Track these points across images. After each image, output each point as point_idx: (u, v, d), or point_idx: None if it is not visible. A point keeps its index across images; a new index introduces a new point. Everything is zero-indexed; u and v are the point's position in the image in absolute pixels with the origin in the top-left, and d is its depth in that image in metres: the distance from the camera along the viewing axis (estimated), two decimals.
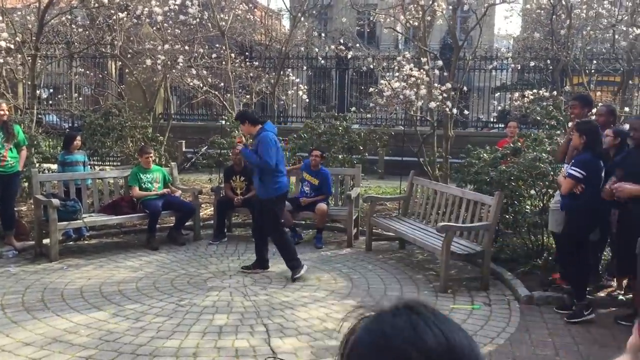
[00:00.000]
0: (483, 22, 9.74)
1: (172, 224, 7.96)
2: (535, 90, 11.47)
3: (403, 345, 0.79)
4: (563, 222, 6.00)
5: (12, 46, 9.55)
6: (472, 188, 7.15)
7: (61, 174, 7.77)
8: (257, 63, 12.37)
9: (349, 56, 12.92)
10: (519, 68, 15.02)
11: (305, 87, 13.35)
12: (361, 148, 9.83)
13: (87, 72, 15.83)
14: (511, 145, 7.35)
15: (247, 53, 14.48)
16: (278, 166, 6.12)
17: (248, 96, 11.74)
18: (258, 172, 6.15)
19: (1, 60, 9.76)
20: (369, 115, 13.96)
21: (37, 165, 8.48)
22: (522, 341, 4.83)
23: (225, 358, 4.34)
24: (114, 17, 10.46)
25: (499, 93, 16.61)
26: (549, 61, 12.54)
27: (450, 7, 9.94)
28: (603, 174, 5.23)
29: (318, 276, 6.41)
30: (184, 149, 14.51)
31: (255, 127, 6.13)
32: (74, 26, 12.73)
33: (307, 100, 14.58)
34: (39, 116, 11.11)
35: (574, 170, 5.17)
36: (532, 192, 7.01)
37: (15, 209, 7.58)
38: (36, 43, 9.78)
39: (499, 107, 16.01)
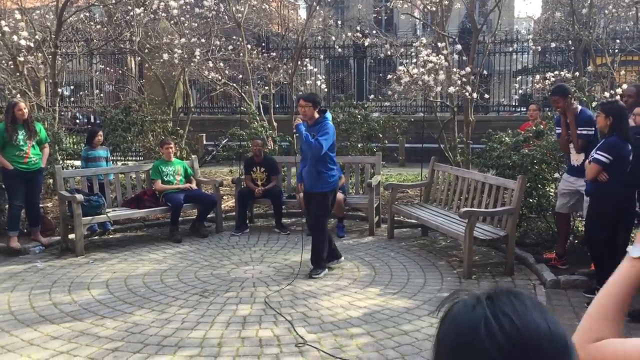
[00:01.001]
0: (502, 4, 9.58)
1: (195, 217, 8.02)
2: (557, 72, 11.27)
3: (476, 343, 0.77)
4: (570, 203, 5.97)
5: (32, 45, 9.66)
6: (494, 173, 7.07)
7: (84, 170, 7.86)
8: (274, 54, 12.33)
9: (366, 44, 12.82)
10: (540, 50, 14.77)
11: (323, 76, 13.29)
12: (380, 136, 9.78)
13: (107, 68, 15.97)
14: (533, 128, 7.24)
15: (263, 44, 14.47)
16: (333, 159, 5.93)
17: (266, 87, 11.73)
18: (314, 164, 5.81)
19: (22, 59, 9.87)
20: (387, 103, 13.87)
21: (60, 161, 8.59)
22: None
23: (250, 348, 4.36)
24: (131, 13, 10.50)
25: (520, 77, 16.34)
26: (570, 42, 12.29)
27: None
28: (631, 157, 5.10)
29: (341, 265, 6.40)
30: (204, 142, 14.59)
31: (317, 113, 5.85)
32: (92, 23, 12.83)
33: (326, 89, 14.53)
34: (62, 113, 11.25)
35: (600, 154, 5.05)
36: (557, 175, 6.90)
37: (41, 205, 7.69)
38: (55, 41, 9.88)
39: (520, 91, 15.77)
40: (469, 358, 0.77)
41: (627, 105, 5.53)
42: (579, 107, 6.00)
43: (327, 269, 6.13)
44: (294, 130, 5.91)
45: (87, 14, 12.46)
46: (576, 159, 5.89)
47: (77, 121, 16.08)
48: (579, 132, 5.77)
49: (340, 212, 7.80)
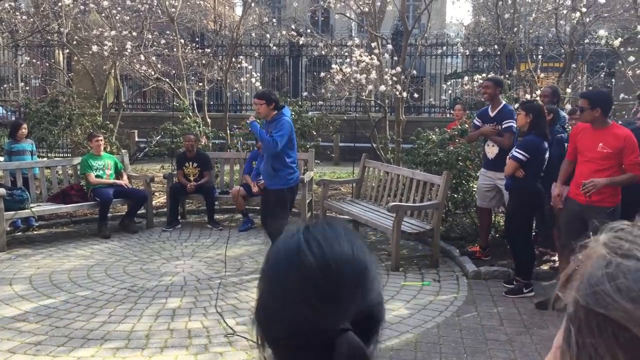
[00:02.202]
0: (432, 7, 9.90)
1: (124, 212, 7.88)
2: (484, 75, 11.74)
3: (285, 265, 0.86)
4: (490, 197, 6.29)
5: None
6: (422, 169, 7.31)
7: (7, 163, 7.58)
8: (208, 50, 12.25)
9: (302, 43, 12.94)
10: (469, 54, 15.33)
11: (259, 74, 13.31)
12: (314, 133, 9.90)
13: (34, 61, 15.38)
14: (459, 127, 7.55)
15: (197, 40, 14.33)
16: (292, 156, 5.78)
17: (200, 84, 11.64)
18: (271, 161, 5.71)
19: None
20: (321, 103, 14.04)
21: None
22: (469, 312, 5.01)
23: (179, 339, 4.37)
24: (60, 4, 10.19)
25: (451, 80, 16.91)
26: (496, 46, 12.84)
27: None
28: (547, 156, 5.40)
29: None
30: (136, 139, 14.29)
31: (273, 111, 5.68)
32: (17, 14, 12.34)
33: (261, 87, 14.53)
34: None
35: (518, 152, 5.33)
36: (480, 172, 7.21)
37: None
38: None
39: (450, 92, 16.32)
40: (283, 278, 0.86)
41: (543, 104, 5.88)
42: (503, 102, 6.34)
43: None
44: (249, 128, 5.79)
45: (12, 4, 11.98)
46: (491, 151, 6.19)
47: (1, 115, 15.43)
48: (506, 124, 6.06)
49: (240, 206, 7.85)
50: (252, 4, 11.45)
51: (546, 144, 5.37)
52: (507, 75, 9.97)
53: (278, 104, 5.76)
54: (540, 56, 12.77)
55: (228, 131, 10.33)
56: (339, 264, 0.85)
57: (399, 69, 8.91)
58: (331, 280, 0.84)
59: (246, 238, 7.36)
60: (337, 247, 0.87)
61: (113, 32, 10.04)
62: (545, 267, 6.14)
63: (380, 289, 0.90)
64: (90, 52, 10.10)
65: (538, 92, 8.35)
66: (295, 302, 0.84)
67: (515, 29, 10.56)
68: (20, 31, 12.19)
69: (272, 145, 5.55)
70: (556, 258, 6.23)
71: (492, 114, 6.26)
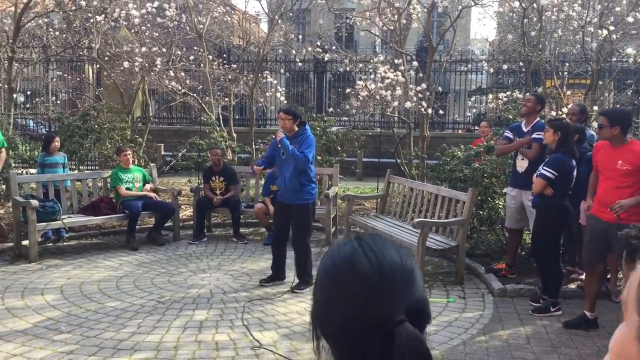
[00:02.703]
0: (457, 25, 9.95)
1: (152, 225, 8.01)
2: (509, 92, 11.72)
3: (344, 269, 1.00)
4: (517, 218, 6.25)
5: None
6: (447, 186, 7.32)
7: (39, 175, 7.77)
8: (235, 66, 12.43)
9: (326, 59, 13.05)
10: (493, 71, 15.31)
11: (283, 89, 13.45)
12: (339, 149, 9.97)
13: (65, 75, 15.74)
14: (484, 143, 7.55)
15: (225, 56, 14.54)
16: (314, 172, 5.89)
17: (226, 99, 11.80)
18: (296, 176, 5.72)
19: None
20: (346, 118, 14.12)
21: (14, 167, 8.46)
22: (495, 331, 4.99)
23: (206, 351, 4.43)
24: (91, 21, 10.46)
25: (475, 96, 16.90)
26: (521, 63, 12.81)
27: (426, 10, 10.14)
28: (575, 173, 5.38)
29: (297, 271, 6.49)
30: (162, 152, 14.51)
31: (297, 127, 5.78)
32: (50, 30, 12.68)
33: (286, 102, 14.67)
34: (16, 120, 11.07)
35: (546, 170, 5.32)
36: (505, 189, 7.19)
37: None
38: (12, 46, 9.76)
39: (474, 109, 16.29)
40: (341, 281, 0.99)
41: (571, 122, 5.86)
42: (538, 118, 6.31)
43: (311, 286, 5.98)
44: (278, 144, 5.73)
45: (46, 20, 12.32)
46: (521, 165, 6.17)
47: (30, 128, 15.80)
48: (536, 135, 6.01)
49: (264, 221, 7.89)
50: (279, 21, 11.61)
51: (574, 162, 5.36)
52: (533, 93, 9.93)
53: (301, 120, 5.86)
54: (566, 73, 12.70)
55: (253, 145, 10.45)
56: (391, 266, 0.99)
57: (424, 85, 8.96)
58: (386, 280, 0.97)
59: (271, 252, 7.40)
60: (387, 253, 1.01)
61: (143, 49, 10.26)
62: (572, 285, 6.08)
63: (424, 288, 1.03)
64: (121, 68, 10.33)
65: (564, 109, 8.32)
66: (354, 300, 0.97)
67: (541, 45, 10.53)
68: (52, 46, 12.52)
69: (303, 161, 5.65)
70: (584, 277, 6.18)
71: (525, 129, 6.25)
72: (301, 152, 5.66)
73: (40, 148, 8.42)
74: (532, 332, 4.98)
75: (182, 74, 11.49)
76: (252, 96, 11.27)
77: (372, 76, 9.81)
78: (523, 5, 9.88)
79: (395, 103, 9.00)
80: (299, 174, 5.73)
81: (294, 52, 14.14)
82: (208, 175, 8.30)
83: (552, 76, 10.83)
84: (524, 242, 7.05)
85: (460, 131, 16.89)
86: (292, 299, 5.67)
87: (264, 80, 13.08)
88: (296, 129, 5.79)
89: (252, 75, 11.63)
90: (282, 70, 15.68)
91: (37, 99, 15.68)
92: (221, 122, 10.97)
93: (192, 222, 8.32)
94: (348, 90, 10.71)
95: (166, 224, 8.02)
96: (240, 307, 5.37)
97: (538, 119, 6.32)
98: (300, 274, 5.98)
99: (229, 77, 11.60)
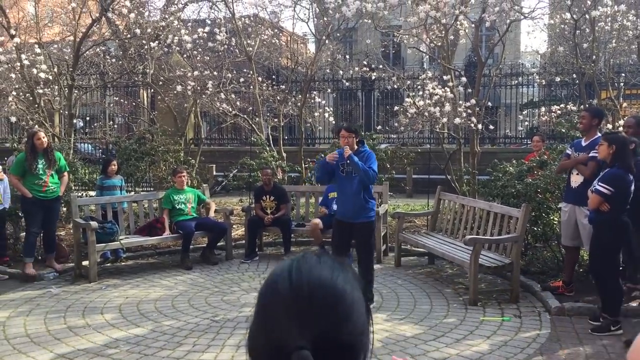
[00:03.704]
0: (506, 38, 9.84)
1: (205, 244, 8.17)
2: (562, 105, 11.48)
3: (268, 286, 0.95)
4: (574, 236, 6.05)
5: (50, 77, 9.99)
6: (499, 202, 7.20)
7: (98, 198, 8.07)
8: (283, 86, 12.64)
9: (374, 77, 13.11)
10: (545, 84, 15.02)
11: (331, 108, 13.57)
12: (388, 166, 9.95)
13: (121, 100, 16.34)
14: (537, 158, 7.40)
15: (273, 77, 14.81)
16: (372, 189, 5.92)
17: (276, 119, 11.99)
18: (361, 193, 5.73)
19: (40, 91, 10.20)
20: (394, 135, 14.09)
21: (75, 190, 8.80)
22: (553, 350, 4.85)
23: None
24: (146, 47, 10.86)
25: (526, 109, 16.60)
26: (574, 75, 12.54)
27: (473, 26, 10.08)
28: (633, 188, 5.21)
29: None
30: (214, 173, 14.82)
31: (356, 144, 5.86)
32: (107, 57, 13.23)
33: (334, 121, 14.79)
34: (76, 145, 11.53)
35: (602, 186, 5.17)
36: (561, 204, 7.01)
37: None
38: (72, 74, 10.22)
39: (526, 123, 15.97)
40: (262, 298, 0.95)
41: (627, 136, 5.69)
42: (598, 134, 6.12)
43: (373, 302, 6.01)
44: (347, 160, 5.73)
45: (103, 48, 12.85)
46: (575, 180, 6.01)
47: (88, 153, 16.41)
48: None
49: (318, 239, 7.85)
50: (326, 41, 11.75)
51: (631, 177, 5.19)
52: (587, 105, 9.70)
53: (361, 138, 6.01)
54: (622, 84, 12.35)
55: (303, 164, 10.55)
56: (311, 286, 0.91)
57: (473, 101, 8.88)
58: (299, 300, 0.89)
59: None
60: (316, 272, 0.93)
61: (195, 72, 10.57)
62: (634, 303, 5.86)
63: (363, 323, 0.94)
64: (174, 91, 10.66)
65: (621, 121, 8.09)
66: (268, 319, 0.91)
67: (594, 57, 10.29)
68: (109, 73, 13.03)
69: (373, 176, 5.73)
70: None
71: (584, 144, 6.11)
72: (369, 167, 5.70)
73: (99, 171, 8.74)
74: (592, 352, 4.82)
75: (233, 95, 11.77)
76: (301, 116, 11.41)
77: (421, 93, 9.80)
78: (575, 16, 9.70)
79: (445, 119, 8.95)
80: (364, 190, 5.75)
81: (341, 71, 14.25)
82: (259, 194, 8.42)
83: (607, 88, 10.55)
84: (582, 258, 6.84)
85: (512, 146, 16.60)
86: None
87: (312, 100, 13.24)
88: (356, 147, 5.86)
89: (300, 96, 11.79)
90: (330, 90, 15.82)
91: (95, 124, 16.29)
92: (271, 142, 11.14)
93: (244, 241, 8.45)
94: (396, 107, 10.71)
95: (219, 244, 8.17)
96: None
97: (598, 134, 6.12)
98: (365, 291, 5.93)
99: (278, 97, 11.80)
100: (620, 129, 7.14)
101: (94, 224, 7.08)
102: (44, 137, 7.27)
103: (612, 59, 11.42)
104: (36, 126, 9.18)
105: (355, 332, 0.91)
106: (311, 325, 0.87)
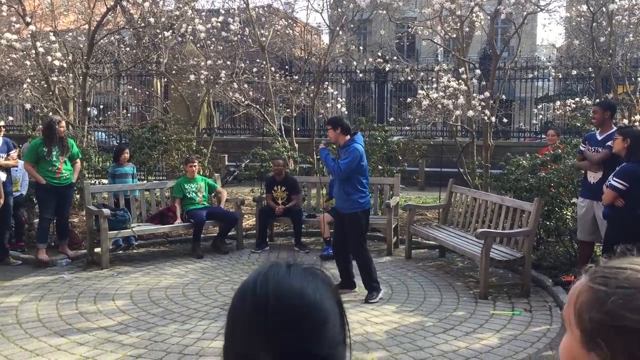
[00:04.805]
0: (522, 31, 9.74)
1: (216, 234, 8.20)
2: (578, 99, 11.37)
3: (237, 296, 0.91)
4: (591, 231, 5.99)
5: (64, 65, 10.04)
6: (511, 195, 7.15)
7: (111, 186, 8.12)
8: (296, 77, 12.61)
9: (387, 69, 13.04)
10: (561, 77, 14.87)
11: (344, 100, 13.52)
12: (400, 158, 9.91)
13: (134, 89, 16.40)
14: (551, 152, 7.34)
15: (286, 67, 14.79)
16: (363, 181, 5.88)
17: (288, 110, 11.98)
18: (341, 185, 5.86)
19: (54, 79, 10.26)
20: (407, 127, 14.03)
21: (88, 178, 8.86)
22: None
23: None
24: (160, 36, 10.87)
25: (541, 103, 16.44)
26: (590, 69, 12.40)
27: (489, 18, 9.99)
28: None
29: (358, 283, 6.49)
30: (226, 163, 14.86)
31: (345, 137, 5.84)
32: (121, 46, 13.27)
33: (347, 112, 14.72)
34: (89, 132, 11.60)
35: (616, 181, 5.12)
36: (574, 200, 6.95)
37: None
38: (86, 62, 10.26)
39: (541, 116, 15.83)
40: (237, 308, 0.90)
41: None
42: (614, 128, 6.06)
43: (381, 290, 6.00)
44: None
45: (117, 37, 12.89)
46: (593, 176, 5.95)
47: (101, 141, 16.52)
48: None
49: (325, 233, 7.81)
50: (340, 32, 11.70)
51: None
52: (602, 99, 9.59)
53: (347, 130, 5.89)
54: (639, 79, 12.19)
55: (315, 156, 10.54)
56: (278, 299, 0.86)
57: (487, 93, 8.81)
58: (263, 312, 0.85)
59: (332, 262, 7.43)
60: (286, 284, 0.88)
61: (209, 62, 10.57)
62: None
63: (338, 335, 0.88)
64: (187, 81, 10.67)
65: (637, 116, 7.99)
66: (235, 330, 0.88)
67: (611, 51, 10.16)
68: (123, 62, 13.08)
69: (335, 171, 5.83)
70: None
71: (599, 137, 6.03)
72: (336, 162, 5.81)
73: (112, 159, 8.78)
74: None
75: (246, 85, 11.77)
76: (314, 107, 11.39)
77: (434, 85, 9.74)
78: (592, 9, 9.57)
79: (458, 112, 8.89)
80: (342, 182, 5.85)
81: (354, 62, 14.19)
82: (270, 185, 8.43)
83: (623, 82, 10.43)
84: (595, 254, 6.78)
85: (525, 140, 16.47)
86: (352, 308, 5.67)
87: (325, 91, 13.19)
88: (345, 138, 5.86)
89: (313, 87, 11.76)
90: (343, 81, 15.76)
91: (108, 113, 16.38)
92: (283, 132, 11.14)
93: (254, 231, 8.47)
94: (409, 99, 10.66)
95: (230, 233, 8.20)
96: None
97: (614, 128, 6.05)
98: (365, 282, 5.97)
99: (291, 88, 11.77)
100: (637, 124, 7.06)
101: (106, 211, 7.13)
102: (64, 126, 7.37)
103: (629, 53, 11.27)
104: (50, 114, 9.24)
105: (328, 344, 0.87)
106: (277, 339, 0.84)
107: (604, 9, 9.78)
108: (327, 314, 0.87)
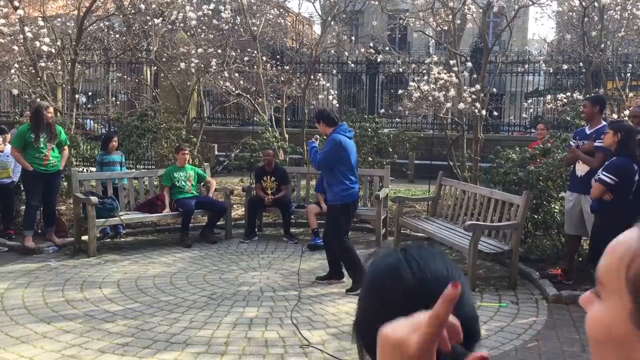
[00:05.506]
0: (514, 25, 9.75)
1: (205, 223, 8.17)
2: (568, 94, 11.40)
3: (387, 281, 0.94)
4: (578, 225, 6.03)
5: (53, 51, 9.92)
6: (500, 189, 7.17)
7: (99, 173, 8.06)
8: (288, 67, 12.56)
9: (379, 60, 13.02)
10: (552, 72, 14.92)
11: (336, 91, 13.49)
12: (390, 150, 9.91)
13: (124, 77, 16.26)
14: (541, 146, 7.36)
15: (278, 57, 14.71)
16: (346, 173, 5.74)
17: (279, 100, 11.93)
18: (325, 177, 5.89)
19: (42, 65, 10.14)
20: (398, 119, 14.03)
21: (75, 165, 8.79)
22: (549, 338, 4.86)
23: (256, 347, 4.48)
24: (150, 23, 10.77)
25: (532, 98, 16.49)
26: (581, 64, 12.44)
27: (481, 11, 9.98)
28: (637, 177, 5.17)
29: (347, 273, 6.50)
30: (216, 153, 14.79)
31: (330, 128, 5.79)
32: (111, 32, 13.13)
33: (337, 104, 14.69)
34: (77, 120, 11.50)
35: (605, 175, 5.14)
36: (563, 193, 6.99)
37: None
38: (75, 48, 10.14)
39: (531, 111, 15.89)
40: (384, 293, 0.93)
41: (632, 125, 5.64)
42: (603, 122, 6.08)
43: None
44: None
45: (107, 24, 12.75)
46: (581, 169, 5.97)
47: (88, 129, 16.39)
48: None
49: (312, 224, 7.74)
50: (332, 23, 11.65)
51: (636, 166, 5.16)
52: (592, 94, 9.63)
53: (331, 122, 5.84)
54: (629, 74, 12.25)
55: (305, 146, 10.52)
56: (436, 279, 0.92)
57: (478, 86, 8.82)
58: (430, 294, 0.88)
59: (321, 252, 7.44)
60: (433, 264, 0.94)
61: (199, 50, 10.49)
62: None
63: (474, 306, 0.96)
64: (178, 69, 10.59)
65: (626, 111, 8.03)
66: (394, 312, 0.88)
67: (602, 46, 10.19)
68: (112, 49, 12.96)
69: (313, 163, 5.92)
70: None
71: (588, 132, 6.05)
72: (318, 153, 5.83)
73: (100, 147, 8.71)
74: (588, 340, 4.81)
75: (236, 75, 11.69)
76: (305, 97, 11.35)
77: (425, 77, 9.74)
78: (584, 4, 9.59)
79: (449, 104, 8.89)
80: (326, 174, 5.92)
81: (346, 53, 14.14)
82: (260, 175, 8.40)
83: (613, 77, 10.47)
84: (582, 248, 6.83)
85: (515, 133, 16.52)
86: (341, 299, 5.68)
87: (316, 82, 13.16)
88: (330, 129, 5.83)
89: (304, 77, 11.71)
90: (335, 72, 15.72)
91: (97, 100, 16.23)
92: (273, 123, 11.09)
93: (243, 221, 8.44)
94: (400, 91, 10.65)
95: (218, 223, 8.16)
96: (290, 306, 5.42)
97: (603, 122, 6.07)
98: (349, 274, 5.97)
99: (282, 78, 11.72)
100: (626, 119, 7.09)
101: (94, 199, 7.08)
102: (52, 112, 7.29)
103: (620, 49, 11.31)
104: (38, 100, 9.14)
105: (474, 317, 0.94)
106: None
107: (596, 4, 9.81)
108: (464, 285, 0.92)
